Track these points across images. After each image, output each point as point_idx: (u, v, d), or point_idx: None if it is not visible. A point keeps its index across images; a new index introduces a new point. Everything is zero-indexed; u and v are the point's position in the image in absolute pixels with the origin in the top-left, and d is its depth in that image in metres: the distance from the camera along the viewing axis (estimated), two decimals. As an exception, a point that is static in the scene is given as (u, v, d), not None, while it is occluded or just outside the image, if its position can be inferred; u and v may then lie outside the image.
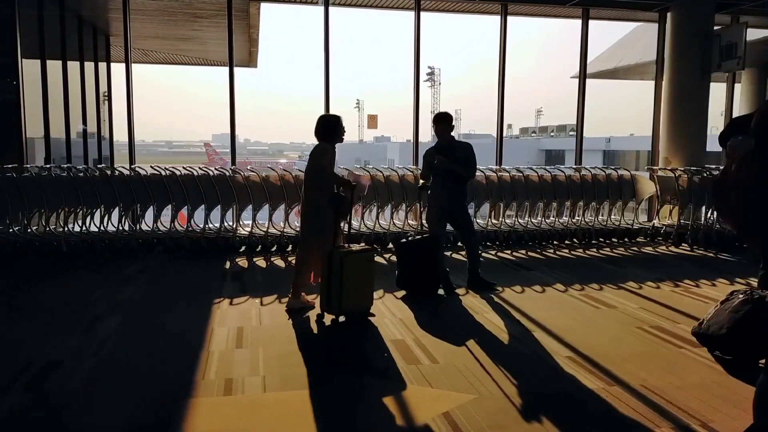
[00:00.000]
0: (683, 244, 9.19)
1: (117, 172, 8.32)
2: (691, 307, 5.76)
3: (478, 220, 9.22)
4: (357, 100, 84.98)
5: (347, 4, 10.28)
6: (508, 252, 8.55)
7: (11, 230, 7.98)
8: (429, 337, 4.87)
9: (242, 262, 7.76)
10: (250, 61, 18.04)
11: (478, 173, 9.05)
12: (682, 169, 9.43)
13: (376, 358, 4.44)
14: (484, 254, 8.33)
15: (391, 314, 5.45)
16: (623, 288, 6.54)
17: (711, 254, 8.67)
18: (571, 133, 57.95)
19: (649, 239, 9.62)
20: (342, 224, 5.58)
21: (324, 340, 4.80)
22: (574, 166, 9.84)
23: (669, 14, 10.38)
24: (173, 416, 3.40)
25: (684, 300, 6.09)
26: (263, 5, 11.36)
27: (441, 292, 6.19)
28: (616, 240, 9.53)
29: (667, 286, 6.65)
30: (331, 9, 9.73)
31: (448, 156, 6.16)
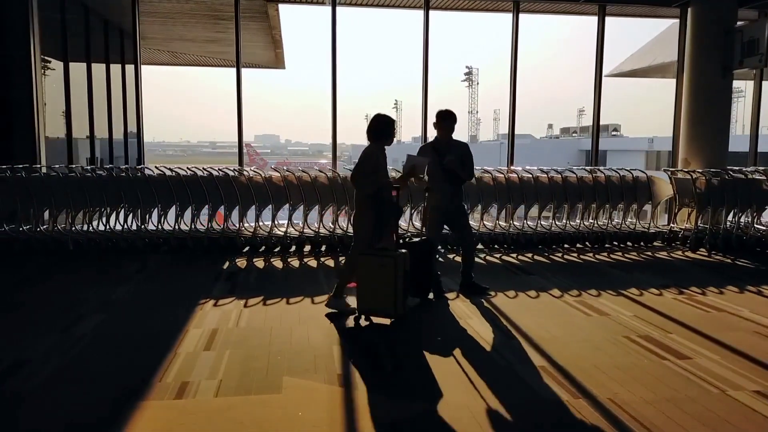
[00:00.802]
0: (701, 249, 8.81)
1: (123, 173, 8.44)
2: (688, 317, 5.49)
3: (485, 223, 9.04)
4: (395, 101, 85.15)
5: (354, 3, 10.24)
6: (514, 255, 8.32)
7: (21, 228, 8.18)
8: (404, 343, 4.76)
9: (241, 262, 7.78)
10: (277, 62, 18.14)
11: (486, 174, 8.89)
12: (700, 170, 9.03)
13: (342, 363, 4.34)
14: (488, 257, 8.16)
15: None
16: (623, 294, 6.28)
17: (728, 260, 8.27)
18: (614, 133, 56.65)
19: (666, 244, 9.25)
20: (391, 227, 5.46)
21: (295, 343, 4.71)
22: (588, 168, 9.53)
23: (690, 10, 9.98)
24: (115, 419, 3.38)
25: (684, 308, 5.81)
26: (282, 7, 11.43)
27: (431, 296, 6.06)
28: (630, 244, 9.18)
29: (670, 293, 6.36)
30: (350, 9, 9.73)
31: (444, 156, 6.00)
